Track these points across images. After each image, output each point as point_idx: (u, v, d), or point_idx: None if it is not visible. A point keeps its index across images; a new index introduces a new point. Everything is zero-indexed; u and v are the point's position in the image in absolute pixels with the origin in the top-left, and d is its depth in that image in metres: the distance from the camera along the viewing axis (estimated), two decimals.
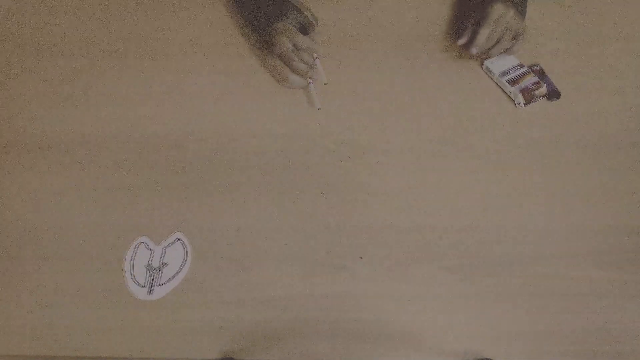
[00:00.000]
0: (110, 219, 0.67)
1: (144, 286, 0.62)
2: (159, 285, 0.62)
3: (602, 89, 0.77)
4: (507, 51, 0.76)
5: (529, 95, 0.74)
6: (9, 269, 0.65)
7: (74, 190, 0.69)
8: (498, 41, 0.74)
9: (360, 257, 0.66)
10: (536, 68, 0.78)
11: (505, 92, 0.76)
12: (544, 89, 0.75)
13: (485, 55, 0.77)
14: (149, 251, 0.63)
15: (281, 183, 0.69)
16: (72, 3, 0.84)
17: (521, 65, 0.77)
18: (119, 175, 0.70)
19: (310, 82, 0.74)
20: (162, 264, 0.63)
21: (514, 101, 0.75)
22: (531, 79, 0.75)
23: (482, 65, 0.78)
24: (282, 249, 0.66)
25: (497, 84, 0.77)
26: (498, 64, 0.77)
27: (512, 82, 0.75)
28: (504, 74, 0.76)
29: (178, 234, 0.64)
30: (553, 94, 0.76)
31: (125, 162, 0.71)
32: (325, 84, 0.74)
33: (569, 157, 0.73)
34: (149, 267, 0.62)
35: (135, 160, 0.71)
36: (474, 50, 0.73)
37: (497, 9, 0.72)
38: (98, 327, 0.62)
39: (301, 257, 0.66)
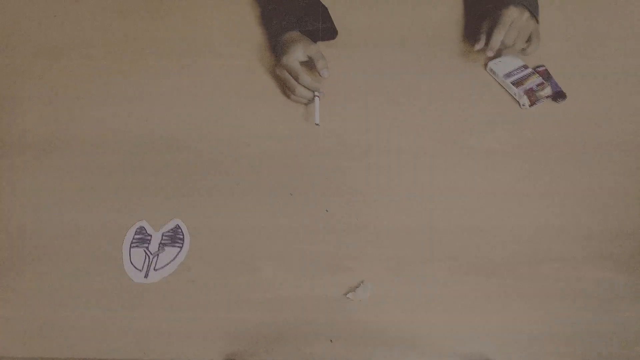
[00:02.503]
0: (110, 219, 0.67)
1: (140, 270, 0.63)
2: (155, 269, 0.63)
3: (607, 90, 0.77)
4: (522, 52, 0.76)
5: (533, 97, 0.74)
6: (9, 269, 0.65)
7: (74, 190, 0.69)
8: (512, 44, 0.74)
9: (362, 258, 0.66)
10: (541, 69, 0.77)
11: (509, 94, 0.76)
12: (548, 90, 0.74)
13: (500, 55, 0.78)
14: (148, 236, 0.65)
15: (283, 184, 0.70)
16: (73, 3, 0.84)
17: (525, 67, 0.76)
18: (120, 176, 0.70)
19: (316, 95, 0.74)
20: (160, 249, 0.64)
21: (519, 102, 0.75)
22: (536, 80, 0.75)
23: (485, 66, 0.78)
24: (284, 250, 0.66)
25: (501, 85, 0.77)
26: (502, 65, 0.77)
27: (517, 83, 0.75)
28: (508, 75, 0.76)
29: (177, 221, 0.65)
30: (558, 95, 0.75)
31: (126, 163, 0.71)
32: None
33: (574, 158, 0.72)
34: (146, 251, 0.64)
35: (136, 161, 0.71)
36: (489, 53, 0.74)
37: (511, 13, 0.72)
38: (99, 329, 0.62)
39: (303, 258, 0.66)
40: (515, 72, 0.76)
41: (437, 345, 0.63)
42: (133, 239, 0.64)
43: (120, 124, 0.74)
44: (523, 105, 0.74)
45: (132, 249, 0.63)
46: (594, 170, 0.71)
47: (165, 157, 0.71)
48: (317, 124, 0.71)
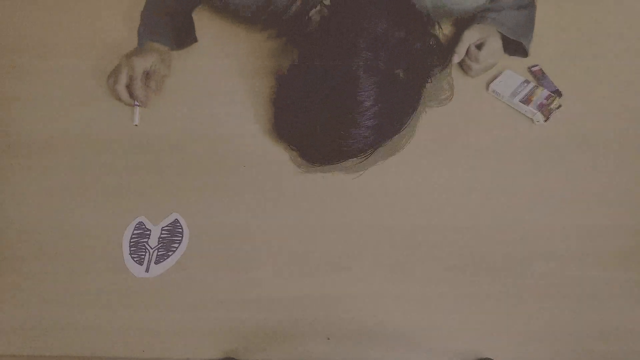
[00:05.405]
0: (109, 217, 0.68)
1: (141, 264, 0.64)
2: (156, 263, 0.64)
3: (602, 89, 0.76)
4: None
5: (546, 111, 0.73)
6: (9, 269, 0.66)
7: (74, 190, 0.70)
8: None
9: (359, 257, 0.66)
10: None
11: (516, 110, 0.75)
12: (558, 102, 0.73)
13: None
14: (147, 230, 0.66)
15: (282, 183, 0.70)
16: (72, 3, 0.84)
17: (527, 81, 0.76)
18: (118, 175, 0.70)
19: (135, 104, 0.74)
20: (160, 243, 0.65)
21: (532, 119, 0.74)
22: (542, 93, 0.74)
23: (487, 88, 0.77)
24: (284, 249, 0.66)
25: (508, 105, 0.75)
26: (504, 85, 0.76)
27: (525, 101, 0.74)
28: (514, 94, 0.75)
29: (176, 215, 0.67)
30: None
31: (124, 162, 0.71)
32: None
33: (571, 156, 0.72)
34: (146, 245, 0.65)
35: (134, 160, 0.72)
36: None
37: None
38: (99, 327, 0.62)
39: (302, 257, 0.66)
40: (520, 90, 0.75)
41: (434, 343, 0.62)
42: (132, 234, 0.66)
43: (119, 123, 0.74)
44: (537, 121, 0.73)
45: (132, 245, 0.65)
46: (589, 168, 0.71)
47: (162, 156, 0.72)
48: (136, 125, 0.74)
